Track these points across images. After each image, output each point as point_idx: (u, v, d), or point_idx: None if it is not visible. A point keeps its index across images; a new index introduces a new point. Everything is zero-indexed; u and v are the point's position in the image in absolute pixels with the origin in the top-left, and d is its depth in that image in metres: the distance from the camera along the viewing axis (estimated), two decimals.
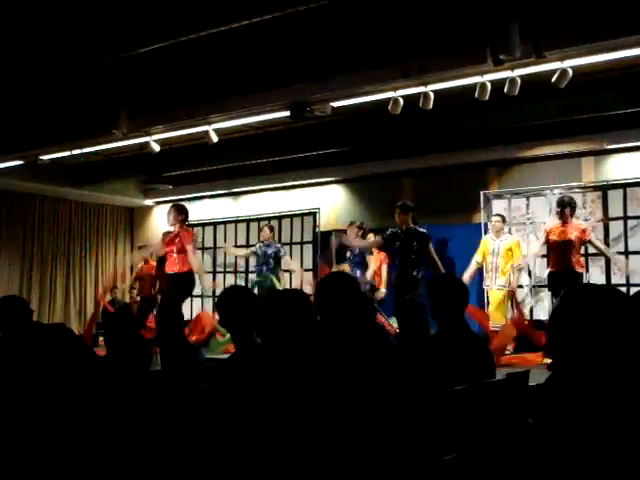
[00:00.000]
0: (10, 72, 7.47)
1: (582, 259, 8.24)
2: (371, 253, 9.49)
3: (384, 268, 9.51)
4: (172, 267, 8.28)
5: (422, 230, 8.04)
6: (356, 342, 3.48)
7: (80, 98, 8.42)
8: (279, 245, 10.26)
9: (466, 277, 8.48)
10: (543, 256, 9.17)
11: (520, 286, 9.47)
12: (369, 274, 9.25)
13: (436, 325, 4.05)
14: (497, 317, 8.73)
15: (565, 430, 1.97)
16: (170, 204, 9.00)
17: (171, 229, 8.44)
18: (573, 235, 7.87)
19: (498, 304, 8.86)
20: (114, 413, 2.74)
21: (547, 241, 8.20)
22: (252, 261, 10.31)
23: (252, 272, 10.97)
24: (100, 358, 3.50)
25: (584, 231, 7.97)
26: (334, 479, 2.64)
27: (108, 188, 12.67)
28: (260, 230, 10.58)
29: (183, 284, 8.26)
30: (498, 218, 9.12)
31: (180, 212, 8.42)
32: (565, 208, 7.95)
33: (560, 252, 7.94)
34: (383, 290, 9.31)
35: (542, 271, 9.52)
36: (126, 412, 2.87)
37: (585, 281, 8.41)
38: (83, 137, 9.19)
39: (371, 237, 9.67)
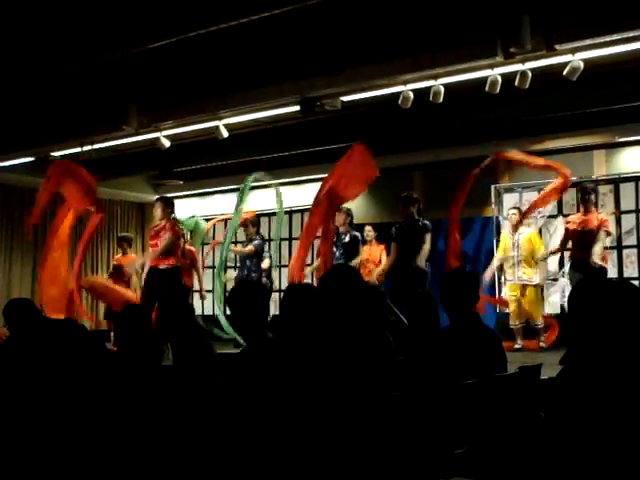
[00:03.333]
0: (21, 69, 7.49)
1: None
2: (364, 243, 9.39)
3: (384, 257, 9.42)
4: (157, 261, 8.12)
5: (424, 222, 8.00)
6: (364, 336, 3.47)
7: (90, 94, 8.44)
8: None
9: (488, 274, 8.51)
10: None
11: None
12: (354, 262, 8.81)
13: (447, 319, 4.05)
14: (536, 314, 8.66)
15: (578, 424, 1.96)
16: (181, 199, 9.01)
17: None
18: (594, 225, 7.80)
19: (537, 302, 8.78)
20: (125, 407, 2.75)
21: (566, 231, 8.16)
22: None
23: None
24: (111, 353, 3.52)
25: (603, 221, 7.92)
26: (346, 473, 2.64)
27: (119, 184, 12.69)
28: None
29: (174, 279, 8.14)
30: (515, 211, 9.00)
31: (167, 204, 8.37)
32: (591, 195, 7.91)
33: (580, 241, 7.88)
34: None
35: (553, 266, 9.49)
36: (137, 406, 2.88)
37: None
38: (93, 133, 9.20)
39: (370, 233, 9.67)
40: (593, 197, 7.97)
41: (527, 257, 8.70)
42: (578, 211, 8.37)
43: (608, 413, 1.93)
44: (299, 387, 2.97)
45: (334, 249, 8.89)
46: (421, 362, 3.91)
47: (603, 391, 1.97)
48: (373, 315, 4.04)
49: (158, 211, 8.33)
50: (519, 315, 8.67)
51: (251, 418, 2.93)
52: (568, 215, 8.92)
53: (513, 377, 3.68)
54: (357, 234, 9.08)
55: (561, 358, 2.21)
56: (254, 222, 10.16)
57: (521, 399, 3.51)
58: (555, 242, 9.44)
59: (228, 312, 3.95)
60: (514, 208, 9.17)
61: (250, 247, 9.74)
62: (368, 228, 9.84)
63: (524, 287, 8.71)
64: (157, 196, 13.35)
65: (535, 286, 8.74)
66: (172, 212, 8.40)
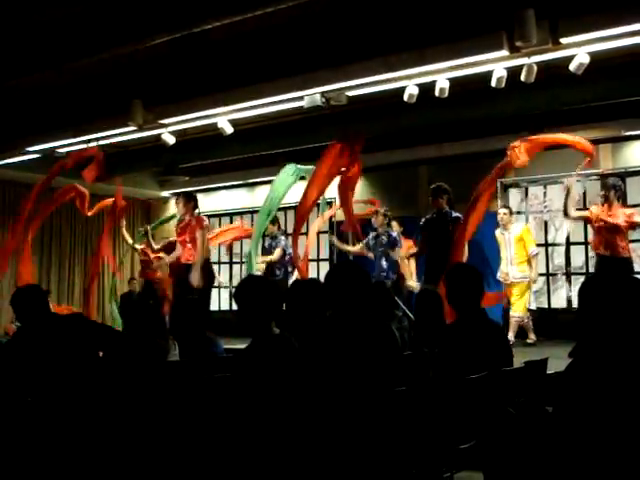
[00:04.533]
0: (26, 66, 7.50)
1: (628, 244, 7.81)
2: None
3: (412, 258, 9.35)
4: (187, 257, 8.23)
5: (457, 215, 7.72)
6: (370, 331, 3.47)
7: (95, 90, 8.44)
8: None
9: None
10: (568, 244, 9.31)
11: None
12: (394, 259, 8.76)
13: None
14: (521, 308, 8.64)
15: (587, 417, 1.96)
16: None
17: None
18: (620, 220, 7.60)
19: (521, 295, 8.72)
20: (131, 403, 2.76)
21: (592, 223, 7.84)
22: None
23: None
24: (119, 348, 3.52)
25: (631, 215, 7.69)
26: (353, 467, 2.64)
27: (123, 180, 12.69)
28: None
29: (204, 274, 8.15)
30: (505, 211, 8.91)
31: (189, 200, 8.36)
32: (610, 191, 7.76)
33: (606, 236, 7.64)
34: (414, 283, 8.64)
35: (560, 259, 9.48)
36: (143, 402, 2.88)
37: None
38: (99, 129, 9.22)
39: (395, 226, 9.49)
40: (612, 193, 7.65)
41: (520, 255, 8.64)
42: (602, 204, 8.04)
43: (618, 407, 1.92)
44: (305, 383, 2.97)
45: (372, 247, 8.89)
46: (427, 357, 3.91)
47: (613, 384, 1.96)
48: (379, 310, 4.04)
49: (180, 207, 8.37)
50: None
51: (256, 413, 2.93)
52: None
53: (519, 371, 3.67)
54: (395, 234, 8.93)
55: (570, 351, 2.21)
56: (273, 220, 10.13)
57: (527, 393, 3.51)
58: (561, 237, 9.44)
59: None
60: (504, 207, 9.09)
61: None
62: (393, 223, 9.69)
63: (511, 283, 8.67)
64: (168, 192, 13.47)
65: (522, 282, 8.69)
66: (195, 207, 8.40)
